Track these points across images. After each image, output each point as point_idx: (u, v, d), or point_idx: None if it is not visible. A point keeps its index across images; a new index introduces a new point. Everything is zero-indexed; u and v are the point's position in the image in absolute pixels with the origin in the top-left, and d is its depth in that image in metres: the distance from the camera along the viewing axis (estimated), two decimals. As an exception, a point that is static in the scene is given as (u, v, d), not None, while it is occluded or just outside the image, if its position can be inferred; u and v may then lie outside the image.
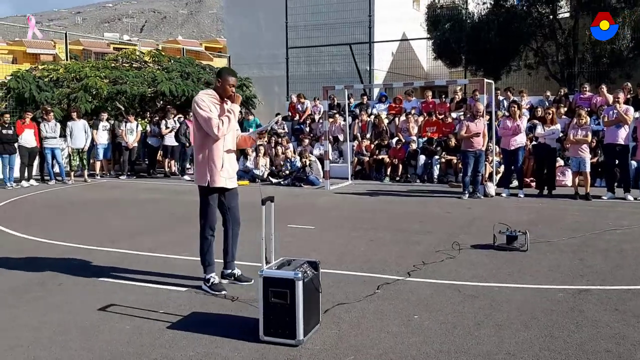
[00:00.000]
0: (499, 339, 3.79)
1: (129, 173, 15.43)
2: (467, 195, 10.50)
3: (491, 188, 10.79)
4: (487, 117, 13.35)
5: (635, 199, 9.83)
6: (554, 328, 3.96)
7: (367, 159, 14.03)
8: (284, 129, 16.42)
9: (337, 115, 15.55)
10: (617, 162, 10.08)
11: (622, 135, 9.81)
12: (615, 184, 10.19)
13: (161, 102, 18.12)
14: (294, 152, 15.08)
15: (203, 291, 4.95)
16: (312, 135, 15.82)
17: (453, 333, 3.91)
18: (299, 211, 9.47)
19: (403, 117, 14.60)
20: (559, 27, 16.79)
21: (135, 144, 15.63)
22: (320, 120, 15.85)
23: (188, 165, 17.16)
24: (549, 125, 10.65)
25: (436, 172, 13.11)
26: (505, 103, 13.90)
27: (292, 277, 3.69)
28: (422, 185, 12.79)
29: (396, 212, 9.19)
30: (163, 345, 3.80)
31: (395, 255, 6.18)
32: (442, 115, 14.32)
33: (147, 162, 17.30)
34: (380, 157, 13.75)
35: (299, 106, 17.28)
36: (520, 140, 10.60)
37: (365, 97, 16.02)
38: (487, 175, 11.15)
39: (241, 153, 14.90)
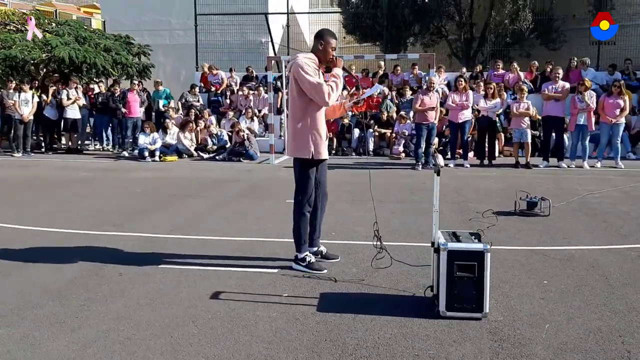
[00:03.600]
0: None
1: (26, 149, 13.62)
2: (420, 166, 10.86)
3: (440, 159, 11.29)
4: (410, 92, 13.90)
5: (568, 166, 10.91)
6: (675, 283, 4.32)
7: (299, 132, 13.81)
8: (199, 101, 15.54)
9: (260, 88, 15.09)
10: (553, 133, 11.06)
11: (560, 108, 10.78)
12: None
13: (44, 70, 16.18)
14: (218, 126, 14.43)
15: (299, 271, 4.59)
16: (232, 107, 15.22)
17: (601, 293, 4.07)
18: (277, 187, 9.12)
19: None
20: (459, 7, 17.81)
21: (31, 117, 13.79)
22: (240, 93, 15.36)
23: (87, 142, 15.67)
24: (491, 99, 11.35)
25: (371, 145, 13.35)
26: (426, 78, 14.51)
27: (481, 249, 3.57)
28: (360, 157, 12.96)
29: (374, 184, 9.19)
30: (345, 329, 3.48)
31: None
32: (342, 90, 14.53)
33: (35, 137, 15.44)
34: (315, 130, 13.64)
35: (211, 78, 16.44)
36: (468, 113, 11.17)
37: (286, 70, 15.67)
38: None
39: (159, 127, 13.89)
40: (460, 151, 11.61)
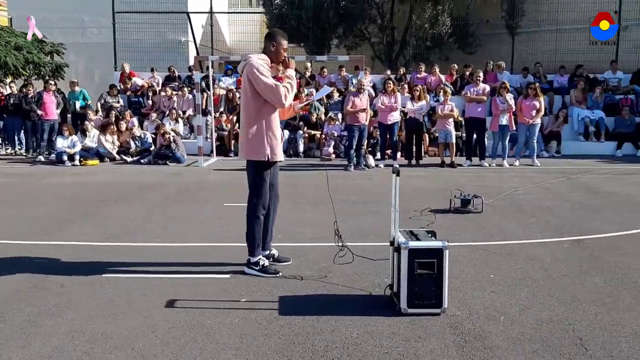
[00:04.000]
0: (582, 285, 4.30)
1: None
2: (352, 167, 11.02)
3: (371, 160, 11.50)
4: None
5: (489, 165, 11.45)
6: (606, 272, 4.62)
7: (227, 134, 13.64)
8: (119, 102, 14.95)
9: (184, 89, 14.75)
10: (475, 134, 11.56)
11: (482, 110, 11.29)
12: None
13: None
14: (140, 128, 13.97)
15: (253, 276, 4.53)
16: (155, 109, 14.77)
17: (544, 284, 4.31)
18: (210, 190, 8.96)
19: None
20: (381, 11, 18.22)
21: None
22: (162, 94, 14.96)
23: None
24: (417, 101, 11.71)
25: (301, 146, 13.39)
26: (354, 81, 14.75)
27: (440, 247, 3.68)
28: (290, 159, 12.94)
29: (310, 185, 9.24)
30: (311, 331, 3.47)
31: (378, 224, 6.33)
32: (295, 91, 14.57)
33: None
34: (243, 132, 13.50)
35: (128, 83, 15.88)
36: (396, 115, 11.45)
37: (212, 70, 15.42)
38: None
39: (78, 129, 13.26)
40: (390, 152, 11.89)
